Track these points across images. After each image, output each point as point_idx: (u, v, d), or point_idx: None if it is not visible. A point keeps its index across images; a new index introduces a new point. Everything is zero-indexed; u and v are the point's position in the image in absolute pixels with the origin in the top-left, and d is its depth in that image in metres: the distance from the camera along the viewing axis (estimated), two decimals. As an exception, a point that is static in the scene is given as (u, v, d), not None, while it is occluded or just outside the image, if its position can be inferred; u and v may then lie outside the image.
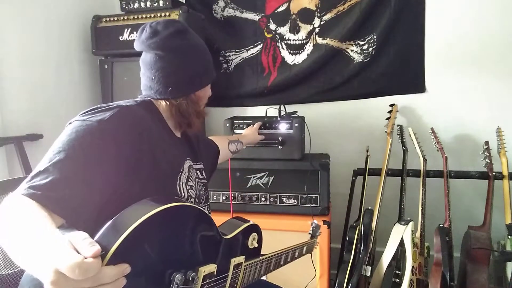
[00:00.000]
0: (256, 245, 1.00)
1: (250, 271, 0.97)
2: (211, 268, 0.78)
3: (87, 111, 0.89)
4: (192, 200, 1.05)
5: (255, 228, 1.00)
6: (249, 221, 0.99)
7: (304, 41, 2.29)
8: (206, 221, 0.80)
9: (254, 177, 1.94)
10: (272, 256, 1.09)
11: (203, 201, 1.15)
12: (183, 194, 1.01)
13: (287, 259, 1.20)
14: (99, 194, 0.80)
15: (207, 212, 1.17)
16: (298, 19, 2.28)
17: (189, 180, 1.06)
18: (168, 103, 1.06)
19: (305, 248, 1.32)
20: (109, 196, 0.82)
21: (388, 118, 2.09)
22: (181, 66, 1.05)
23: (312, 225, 1.42)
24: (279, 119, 1.95)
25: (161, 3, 2.07)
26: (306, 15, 2.27)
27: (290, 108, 2.10)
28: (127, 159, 0.86)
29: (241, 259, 0.91)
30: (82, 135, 0.82)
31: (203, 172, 1.22)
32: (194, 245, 0.75)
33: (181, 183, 1.02)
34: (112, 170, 0.83)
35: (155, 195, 0.74)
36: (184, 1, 2.33)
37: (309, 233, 1.39)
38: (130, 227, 0.60)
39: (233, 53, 2.40)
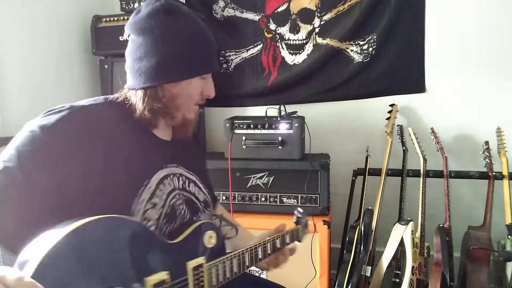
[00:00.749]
0: (214, 243, 0.91)
1: (217, 271, 0.89)
2: (161, 276, 0.74)
3: (44, 112, 0.83)
4: (151, 223, 0.87)
5: (209, 226, 0.92)
6: (200, 221, 0.92)
7: (304, 41, 2.29)
8: (140, 230, 0.76)
9: (254, 177, 1.94)
10: (243, 251, 0.98)
11: (183, 220, 0.96)
12: (138, 215, 0.85)
13: (266, 251, 1.08)
14: (40, 216, 0.71)
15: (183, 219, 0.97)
16: (298, 19, 2.28)
17: (154, 196, 0.89)
18: (141, 94, 0.93)
19: (288, 236, 1.19)
20: (51, 218, 0.70)
21: (388, 118, 2.09)
22: (149, 50, 0.90)
23: (296, 214, 1.32)
24: (279, 119, 1.95)
25: (161, 3, 2.07)
26: (306, 15, 2.27)
27: (290, 108, 2.09)
28: (71, 172, 0.77)
29: (200, 260, 0.84)
30: (23, 144, 0.76)
31: (198, 184, 1.05)
32: (130, 257, 0.71)
33: (140, 200, 0.86)
34: (54, 186, 0.75)
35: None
36: (184, 1, 2.33)
37: (294, 222, 1.31)
38: (37, 260, 0.55)
39: (233, 53, 2.40)
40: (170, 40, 0.91)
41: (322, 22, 2.25)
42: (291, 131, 1.91)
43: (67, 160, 0.77)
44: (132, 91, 0.95)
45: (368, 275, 1.80)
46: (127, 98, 0.96)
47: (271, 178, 1.93)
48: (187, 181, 1.01)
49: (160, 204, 0.89)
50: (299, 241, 1.29)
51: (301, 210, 1.32)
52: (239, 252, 0.96)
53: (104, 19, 2.15)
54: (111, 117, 0.89)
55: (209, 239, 0.90)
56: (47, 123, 0.79)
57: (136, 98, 0.94)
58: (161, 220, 0.89)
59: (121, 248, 0.70)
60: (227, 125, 1.98)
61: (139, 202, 0.85)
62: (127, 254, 0.70)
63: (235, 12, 2.36)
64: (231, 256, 0.93)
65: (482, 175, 1.93)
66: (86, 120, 0.84)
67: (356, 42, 2.22)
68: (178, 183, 0.98)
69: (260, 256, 1.04)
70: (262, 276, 1.83)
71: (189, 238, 0.87)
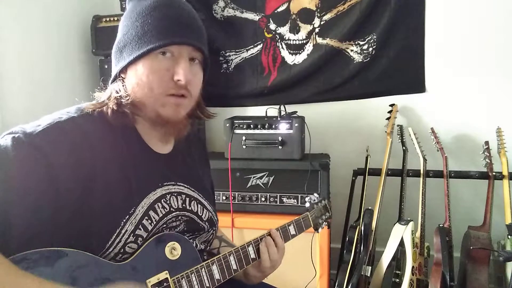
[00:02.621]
0: (179, 253, 0.82)
1: (190, 283, 0.81)
2: None
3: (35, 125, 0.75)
4: (127, 256, 0.78)
5: (171, 237, 0.83)
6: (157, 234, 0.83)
7: (304, 41, 2.29)
8: (76, 259, 0.69)
9: (254, 177, 1.94)
10: (226, 254, 0.89)
11: None
12: (110, 250, 0.75)
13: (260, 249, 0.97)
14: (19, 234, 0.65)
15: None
16: (298, 19, 2.28)
17: (140, 226, 0.79)
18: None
19: (291, 227, 1.09)
20: (27, 241, 0.65)
21: (388, 118, 2.09)
22: (121, 30, 0.86)
23: (306, 200, 1.22)
24: (279, 119, 1.95)
25: (161, 3, 2.07)
26: (306, 15, 2.26)
27: (290, 108, 2.09)
28: (35, 192, 0.67)
29: (162, 275, 0.78)
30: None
31: (201, 202, 0.94)
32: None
33: (123, 231, 0.76)
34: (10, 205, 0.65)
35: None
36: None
37: (306, 209, 1.20)
38: None
39: (233, 53, 2.39)
40: (126, 18, 0.85)
41: (322, 22, 2.25)
42: (291, 131, 1.91)
43: (29, 178, 0.67)
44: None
45: (368, 275, 1.80)
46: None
47: (271, 178, 1.93)
48: (187, 199, 0.91)
49: (144, 235, 0.80)
50: (316, 230, 1.19)
51: (316, 195, 1.24)
52: (218, 257, 0.88)
53: (104, 19, 2.15)
54: (96, 131, 0.78)
55: (172, 251, 0.82)
56: (28, 132, 0.72)
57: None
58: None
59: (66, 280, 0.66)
60: (227, 125, 1.98)
61: (120, 233, 0.76)
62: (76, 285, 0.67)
63: (235, 12, 2.36)
64: (207, 263, 0.85)
65: (482, 175, 1.93)
66: (66, 136, 0.73)
67: (356, 42, 2.21)
68: (177, 203, 0.88)
69: (252, 256, 0.94)
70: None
71: (145, 254, 0.79)
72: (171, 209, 0.86)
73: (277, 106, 2.03)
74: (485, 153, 1.92)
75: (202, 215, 0.94)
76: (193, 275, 0.82)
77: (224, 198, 1.94)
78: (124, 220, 0.77)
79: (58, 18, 2.11)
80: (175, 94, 0.82)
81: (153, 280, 0.78)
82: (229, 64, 2.41)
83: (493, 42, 2.04)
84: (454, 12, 2.08)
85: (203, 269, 0.84)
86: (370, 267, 1.81)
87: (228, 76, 2.42)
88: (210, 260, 0.87)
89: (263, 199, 1.93)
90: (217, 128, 2.41)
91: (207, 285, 0.84)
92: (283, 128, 1.92)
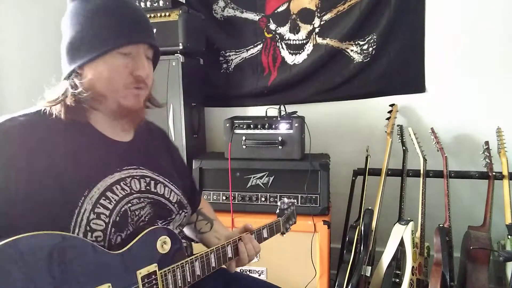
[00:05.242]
0: (168, 248, 0.86)
1: (175, 277, 0.86)
2: None
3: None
4: (97, 234, 0.81)
5: (162, 231, 0.87)
6: (153, 226, 0.87)
7: (304, 41, 2.29)
8: (74, 245, 0.73)
9: (254, 177, 1.94)
10: (208, 252, 0.95)
11: (143, 224, 0.90)
12: (77, 230, 0.79)
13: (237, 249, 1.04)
14: None
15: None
16: (298, 19, 2.28)
17: (98, 205, 0.82)
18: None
19: (265, 230, 1.16)
20: None
21: (388, 118, 2.09)
22: (64, 33, 0.92)
23: (279, 205, 1.27)
24: (279, 119, 1.95)
25: (161, 3, 2.07)
26: (306, 15, 2.27)
27: (290, 108, 2.10)
28: None
29: (152, 267, 0.82)
30: None
31: (168, 185, 0.98)
32: (61, 275, 0.69)
33: (82, 211, 0.80)
34: None
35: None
36: (184, 1, 2.33)
37: (276, 213, 1.26)
38: None
39: (233, 53, 2.40)
40: (78, 16, 0.90)
41: (322, 22, 2.25)
42: (291, 131, 1.91)
43: None
44: None
45: (368, 275, 1.80)
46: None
47: (271, 178, 1.93)
48: (152, 182, 0.95)
49: (106, 213, 0.83)
50: (282, 234, 1.25)
51: (286, 201, 1.29)
52: (201, 254, 0.93)
53: (104, 19, 2.15)
54: (40, 126, 0.84)
55: (162, 245, 0.86)
56: None
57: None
58: (108, 230, 0.83)
59: (45, 265, 0.67)
60: (227, 125, 1.98)
61: (80, 213, 0.80)
62: (56, 272, 0.68)
63: (235, 12, 2.36)
64: (191, 259, 0.90)
65: (482, 175, 1.93)
66: (6, 132, 0.80)
67: (356, 42, 2.22)
68: (139, 185, 0.92)
69: (229, 255, 1.01)
70: (261, 276, 1.84)
71: (138, 245, 0.82)
72: (132, 191, 0.89)
73: (277, 106, 2.03)
74: (485, 153, 1.92)
75: (169, 197, 0.98)
76: (178, 270, 0.87)
77: (224, 198, 1.94)
78: (81, 201, 0.80)
79: (58, 18, 2.11)
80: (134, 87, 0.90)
81: (144, 271, 0.81)
82: (229, 64, 2.41)
83: (493, 42, 2.04)
84: (454, 12, 2.08)
85: (187, 265, 0.89)
86: (370, 267, 1.81)
87: (228, 76, 2.42)
88: (194, 256, 0.92)
89: (263, 199, 1.93)
90: (217, 128, 2.41)
91: (189, 280, 0.89)
92: (283, 128, 1.92)
